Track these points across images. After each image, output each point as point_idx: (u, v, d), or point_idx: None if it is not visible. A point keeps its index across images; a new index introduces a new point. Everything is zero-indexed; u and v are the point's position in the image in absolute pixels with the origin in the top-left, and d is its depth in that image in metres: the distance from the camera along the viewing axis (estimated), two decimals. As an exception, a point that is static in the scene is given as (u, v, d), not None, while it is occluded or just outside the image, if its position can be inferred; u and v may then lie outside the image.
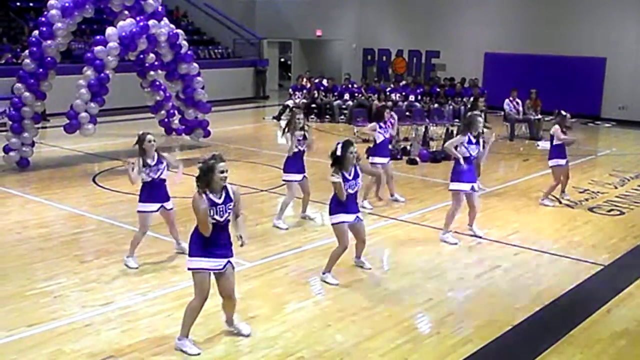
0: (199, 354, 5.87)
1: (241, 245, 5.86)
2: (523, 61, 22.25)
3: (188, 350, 5.88)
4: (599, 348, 6.17)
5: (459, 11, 24.03)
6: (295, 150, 9.49)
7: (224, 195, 5.73)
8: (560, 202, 11.17)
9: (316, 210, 10.46)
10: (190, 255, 5.84)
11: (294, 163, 9.59)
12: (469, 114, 9.71)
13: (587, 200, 11.43)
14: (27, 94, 12.94)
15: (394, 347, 6.07)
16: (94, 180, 12.35)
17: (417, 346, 6.10)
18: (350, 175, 7.30)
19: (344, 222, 7.39)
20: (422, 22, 24.76)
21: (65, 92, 13.98)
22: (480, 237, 9.20)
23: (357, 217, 7.49)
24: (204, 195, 5.63)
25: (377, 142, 10.68)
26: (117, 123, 18.71)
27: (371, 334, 6.29)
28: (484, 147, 9.29)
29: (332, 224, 7.49)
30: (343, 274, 7.77)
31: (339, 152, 7.22)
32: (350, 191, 7.34)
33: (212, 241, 5.72)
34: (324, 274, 7.62)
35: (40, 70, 12.96)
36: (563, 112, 10.87)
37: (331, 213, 7.46)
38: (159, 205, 8.00)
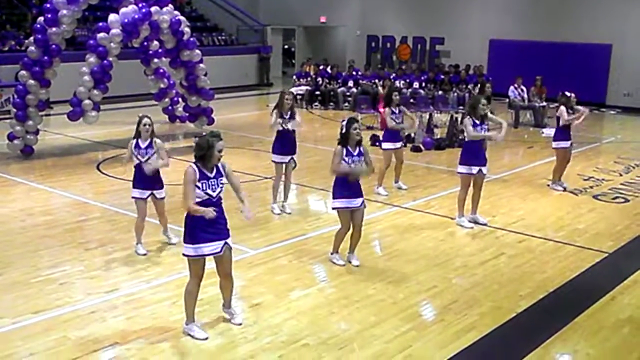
0: (206, 338, 5.91)
1: (247, 218, 5.98)
2: (528, 48, 22.14)
3: (196, 334, 5.92)
4: (603, 335, 6.18)
5: (464, -3, 23.92)
6: (280, 128, 9.49)
7: (215, 170, 5.80)
8: (564, 189, 11.14)
9: (320, 197, 10.47)
10: (186, 242, 5.82)
11: (280, 144, 9.58)
12: (472, 97, 9.70)
13: (591, 187, 11.40)
14: (31, 81, 12.92)
15: (398, 334, 6.08)
16: (97, 168, 12.37)
17: (422, 333, 6.12)
18: (354, 151, 7.38)
19: (346, 207, 7.46)
20: (427, 8, 24.63)
21: (68, 79, 13.97)
22: (485, 225, 9.21)
23: (362, 202, 7.52)
24: (196, 168, 5.70)
25: (389, 126, 10.63)
26: (120, 110, 18.70)
27: (375, 321, 6.31)
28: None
29: (334, 208, 7.57)
30: (347, 262, 7.79)
31: (343, 130, 7.38)
32: (353, 166, 7.37)
33: (207, 222, 5.68)
34: (331, 254, 7.76)
35: (45, 57, 12.93)
36: (567, 93, 10.94)
37: (334, 197, 7.51)
38: (148, 192, 7.98)
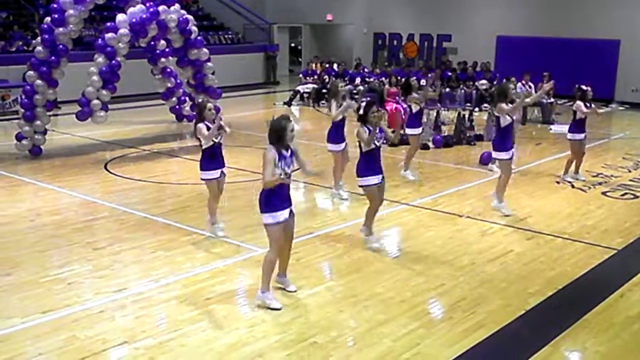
0: (280, 308, 6.39)
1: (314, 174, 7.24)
2: (536, 44, 22.03)
3: (272, 304, 6.42)
4: (612, 332, 6.15)
5: (470, -6, 23.83)
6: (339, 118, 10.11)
7: (289, 150, 6.40)
8: (572, 186, 11.12)
9: (327, 196, 10.46)
10: (264, 212, 6.35)
11: (336, 134, 10.18)
12: (500, 85, 9.90)
13: (600, 184, 11.36)
14: (39, 81, 12.96)
15: (406, 332, 6.07)
16: (105, 168, 12.40)
17: (430, 331, 6.10)
18: (376, 130, 7.82)
19: (374, 184, 7.96)
20: (434, 5, 24.57)
21: (76, 79, 14.01)
22: (507, 215, 9.43)
23: (382, 177, 8.07)
24: (274, 149, 6.27)
25: (413, 112, 11.45)
26: (128, 110, 18.75)
27: (384, 319, 6.30)
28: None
29: (362, 186, 8.07)
30: (356, 260, 7.79)
31: (361, 111, 7.90)
32: (377, 143, 7.89)
33: (280, 195, 6.33)
34: (362, 230, 8.25)
35: (52, 57, 12.97)
36: (584, 87, 11.13)
37: (360, 175, 8.00)
38: (219, 171, 8.35)
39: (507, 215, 9.40)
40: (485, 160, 12.39)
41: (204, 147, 8.20)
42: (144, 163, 12.90)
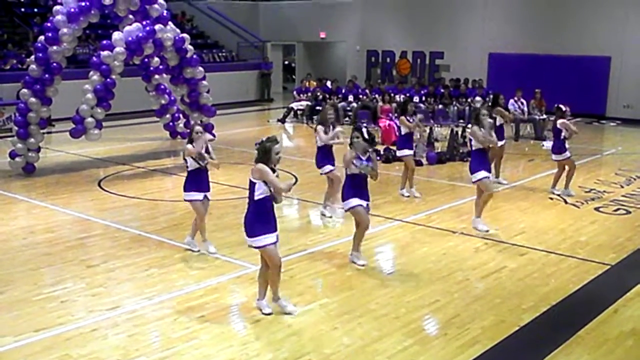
0: (270, 313, 6.61)
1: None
2: (527, 61, 22.20)
3: (264, 309, 6.66)
4: (606, 348, 6.15)
5: (462, 12, 24.01)
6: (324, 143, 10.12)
7: (276, 172, 6.57)
8: (565, 202, 11.16)
9: (317, 212, 10.47)
10: (257, 235, 6.49)
11: (323, 156, 10.16)
12: (476, 111, 9.83)
13: (593, 199, 11.40)
14: (33, 99, 12.97)
15: (401, 349, 6.06)
16: (99, 185, 12.38)
17: (425, 348, 6.09)
18: (364, 157, 7.83)
19: (359, 205, 7.91)
20: (426, 23, 24.74)
21: (69, 96, 14.03)
22: (487, 232, 9.37)
23: (368, 204, 8.03)
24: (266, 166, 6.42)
25: (403, 134, 11.46)
26: (122, 127, 18.75)
27: (378, 336, 6.29)
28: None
29: (348, 209, 8.02)
30: (349, 277, 7.78)
31: (366, 135, 7.87)
32: (363, 171, 7.80)
33: (267, 213, 6.55)
34: (351, 254, 8.14)
35: (46, 75, 13.00)
36: (562, 107, 11.40)
37: (344, 199, 8.01)
38: (203, 194, 8.39)
39: (486, 231, 9.39)
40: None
41: (189, 168, 8.30)
42: (137, 180, 12.89)
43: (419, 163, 14.30)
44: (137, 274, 7.85)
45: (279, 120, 20.57)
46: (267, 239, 6.50)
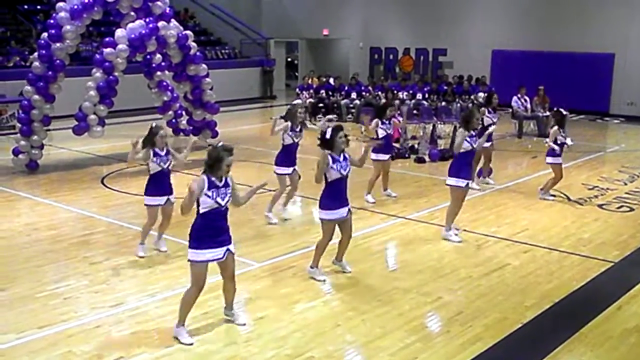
0: (191, 344, 6.01)
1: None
2: (531, 58, 22.17)
3: (183, 339, 6.04)
4: (609, 345, 6.15)
5: (465, 8, 23.99)
6: (290, 142, 9.96)
7: (223, 180, 6.02)
8: (569, 199, 11.15)
9: (315, 208, 10.44)
10: (191, 247, 5.99)
11: (285, 157, 9.91)
12: (468, 109, 9.69)
13: (596, 197, 11.38)
14: (36, 96, 12.98)
15: (403, 346, 6.06)
16: (102, 182, 12.39)
17: (427, 345, 6.09)
18: (340, 157, 7.27)
19: (335, 219, 7.37)
20: (429, 20, 24.71)
21: (72, 93, 14.03)
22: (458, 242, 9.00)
23: (349, 209, 7.47)
24: (205, 178, 5.91)
25: (379, 136, 10.82)
26: (124, 124, 18.75)
27: (381, 333, 6.29)
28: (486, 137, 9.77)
29: (322, 219, 7.44)
30: (352, 274, 7.78)
31: (327, 135, 7.23)
32: (343, 172, 7.23)
33: (213, 228, 5.97)
34: (312, 268, 7.62)
35: (49, 72, 12.99)
36: (563, 111, 10.83)
37: (322, 208, 7.39)
38: (165, 198, 8.29)
39: (459, 242, 8.94)
40: (479, 173, 12.39)
41: (151, 172, 8.20)
42: (140, 177, 12.86)
43: (422, 160, 14.32)
44: (140, 271, 7.86)
45: (282, 117, 20.49)
46: (202, 255, 5.95)
